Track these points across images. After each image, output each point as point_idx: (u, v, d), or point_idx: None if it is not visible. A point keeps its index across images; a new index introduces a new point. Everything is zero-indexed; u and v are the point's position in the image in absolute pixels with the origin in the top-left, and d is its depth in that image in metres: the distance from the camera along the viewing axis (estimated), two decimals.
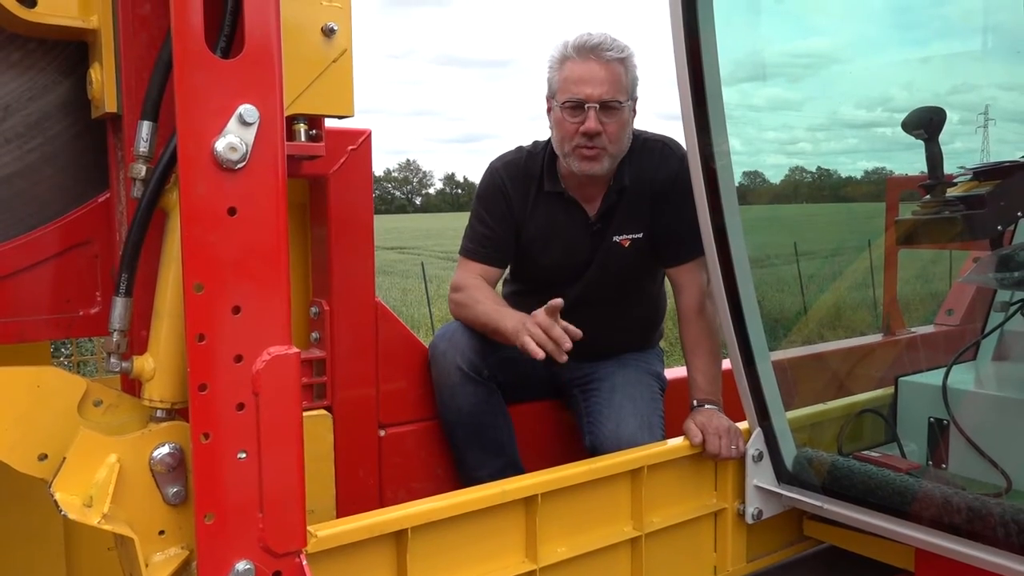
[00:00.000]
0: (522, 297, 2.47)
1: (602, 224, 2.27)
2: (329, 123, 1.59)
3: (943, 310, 3.28)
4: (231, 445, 1.16)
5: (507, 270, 2.49)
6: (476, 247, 2.30)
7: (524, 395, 2.37)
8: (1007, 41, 2.41)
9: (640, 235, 2.27)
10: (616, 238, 2.27)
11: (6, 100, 1.26)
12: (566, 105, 2.13)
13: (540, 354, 1.91)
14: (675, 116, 1.93)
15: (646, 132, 2.32)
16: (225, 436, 1.16)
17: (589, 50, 2.10)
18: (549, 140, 2.31)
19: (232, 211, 1.13)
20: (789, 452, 2.05)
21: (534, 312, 1.97)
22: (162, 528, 1.23)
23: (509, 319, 2.06)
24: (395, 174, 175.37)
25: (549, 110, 2.23)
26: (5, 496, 1.80)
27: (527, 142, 2.40)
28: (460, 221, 2.37)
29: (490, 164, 2.37)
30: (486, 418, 2.19)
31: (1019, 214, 1.97)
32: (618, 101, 2.11)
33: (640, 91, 2.22)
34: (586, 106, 2.10)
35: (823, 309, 3.11)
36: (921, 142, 2.06)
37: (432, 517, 1.56)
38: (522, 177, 2.30)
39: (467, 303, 2.21)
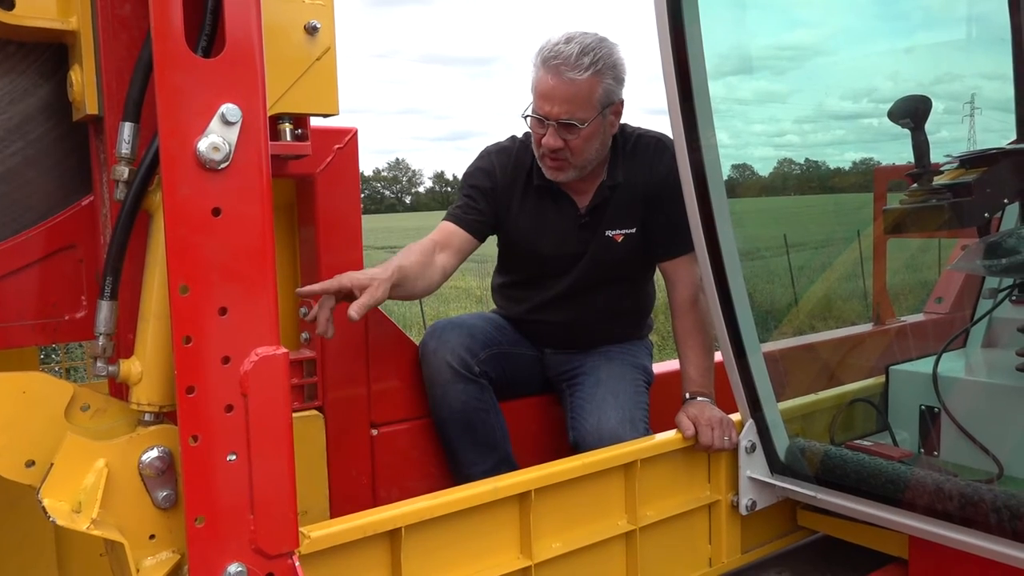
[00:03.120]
0: (513, 288, 2.47)
1: (591, 218, 2.27)
2: (315, 122, 1.59)
3: (932, 298, 3.29)
4: (220, 447, 1.16)
5: (496, 261, 2.49)
6: (452, 209, 2.29)
7: (516, 391, 2.37)
8: (991, 30, 2.41)
9: (633, 230, 2.27)
10: (609, 233, 2.27)
11: None
12: (531, 116, 2.13)
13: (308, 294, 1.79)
14: (661, 111, 1.93)
15: (640, 129, 2.31)
16: (214, 438, 1.15)
17: (554, 66, 2.05)
18: None
19: (216, 212, 1.12)
20: (782, 443, 2.06)
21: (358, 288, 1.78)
22: (152, 532, 1.22)
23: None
24: (384, 173, 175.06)
25: None
26: None
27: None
28: None
29: (485, 148, 2.38)
30: (478, 415, 2.19)
31: (1006, 201, 1.98)
32: (577, 122, 2.07)
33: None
34: (546, 122, 2.09)
35: (813, 300, 3.12)
36: (908, 131, 2.06)
37: (426, 516, 1.55)
38: (513, 166, 2.30)
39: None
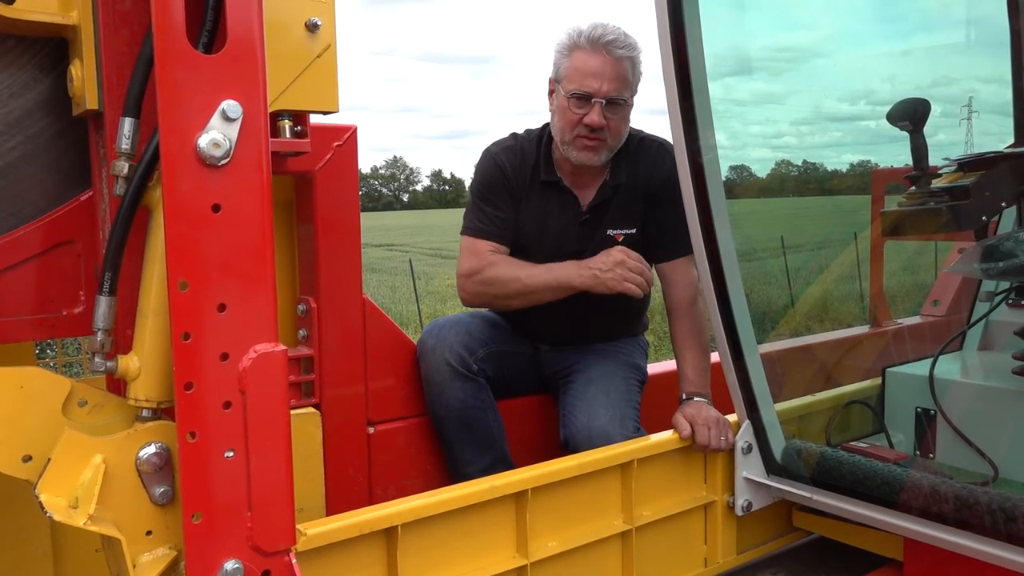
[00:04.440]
0: None
1: (592, 215, 2.28)
2: (314, 119, 1.58)
3: (929, 301, 3.30)
4: (218, 444, 1.16)
5: None
6: (489, 227, 2.28)
7: (513, 390, 2.37)
8: (989, 33, 2.42)
9: (633, 230, 2.29)
10: (610, 232, 2.29)
11: None
12: (573, 96, 2.14)
13: (640, 293, 2.12)
14: (660, 111, 1.94)
15: (643, 132, 2.34)
16: (212, 435, 1.15)
17: (603, 44, 2.12)
18: (544, 128, 2.32)
19: (216, 208, 1.12)
20: (778, 444, 2.06)
21: (610, 253, 2.12)
22: (149, 528, 1.22)
23: (566, 270, 2.16)
24: (382, 171, 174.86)
25: (551, 92, 2.25)
26: None
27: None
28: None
29: (486, 149, 2.38)
30: (475, 413, 2.19)
31: (1003, 204, 1.98)
32: (623, 99, 2.15)
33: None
34: (593, 99, 2.12)
35: (810, 301, 3.12)
36: (906, 134, 2.06)
37: (422, 514, 1.55)
38: (519, 164, 2.31)
39: (503, 277, 2.21)
